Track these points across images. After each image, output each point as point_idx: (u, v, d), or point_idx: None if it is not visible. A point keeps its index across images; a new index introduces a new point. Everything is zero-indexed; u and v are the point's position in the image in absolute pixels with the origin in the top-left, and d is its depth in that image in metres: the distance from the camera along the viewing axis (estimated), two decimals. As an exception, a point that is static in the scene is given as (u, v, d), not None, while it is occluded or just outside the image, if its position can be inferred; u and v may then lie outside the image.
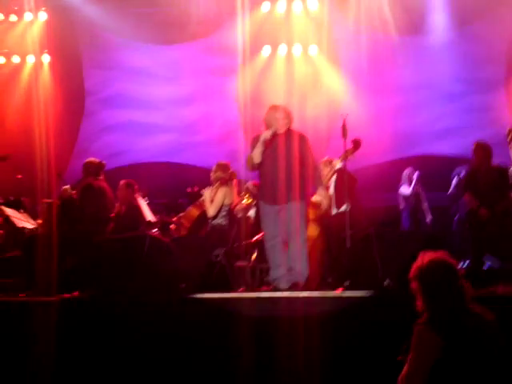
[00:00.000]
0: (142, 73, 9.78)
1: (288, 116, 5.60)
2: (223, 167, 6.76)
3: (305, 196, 5.51)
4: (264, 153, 5.48)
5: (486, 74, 9.38)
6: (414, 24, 9.14)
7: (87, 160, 7.10)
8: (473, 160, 6.87)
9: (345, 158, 6.36)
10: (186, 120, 9.82)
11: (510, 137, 6.03)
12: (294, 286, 5.20)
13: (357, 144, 6.34)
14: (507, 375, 2.94)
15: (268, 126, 5.54)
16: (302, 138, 5.58)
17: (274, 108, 5.63)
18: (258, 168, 5.59)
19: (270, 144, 5.50)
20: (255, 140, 5.56)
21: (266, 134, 5.45)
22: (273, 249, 5.49)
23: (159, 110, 9.80)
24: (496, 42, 9.30)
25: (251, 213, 7.15)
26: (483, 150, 6.68)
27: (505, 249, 6.04)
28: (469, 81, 9.42)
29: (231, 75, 9.67)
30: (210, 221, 6.59)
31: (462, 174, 7.09)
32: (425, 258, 3.05)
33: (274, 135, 5.52)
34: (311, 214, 6.20)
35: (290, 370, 4.14)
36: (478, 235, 6.29)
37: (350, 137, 6.25)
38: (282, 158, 5.45)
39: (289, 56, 9.57)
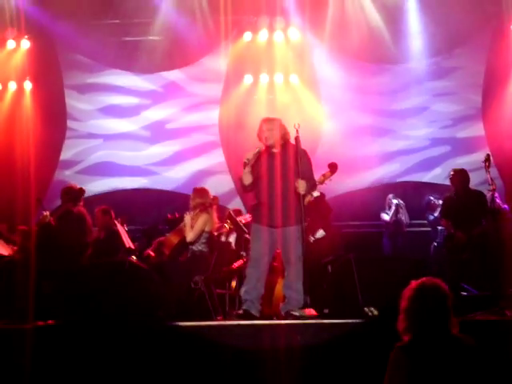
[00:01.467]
0: (123, 100, 9.77)
1: (279, 128, 5.36)
2: (200, 193, 6.72)
3: (302, 220, 5.25)
4: (259, 171, 5.29)
5: (464, 102, 9.54)
6: (393, 53, 9.27)
7: (67, 186, 7.07)
8: (451, 186, 6.98)
9: (321, 183, 6.40)
10: (167, 147, 9.80)
11: (487, 163, 6.09)
12: (288, 315, 5.06)
13: (333, 168, 6.38)
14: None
15: (260, 140, 5.38)
16: (301, 153, 5.32)
17: (264, 120, 5.46)
18: (251, 189, 5.38)
19: (266, 161, 5.31)
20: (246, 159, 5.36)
21: (249, 154, 5.26)
22: (254, 272, 5.28)
23: (140, 136, 9.77)
24: (474, 72, 9.47)
25: (232, 239, 7.13)
26: (460, 175, 6.78)
27: (481, 274, 6.08)
28: (445, 110, 9.57)
29: (213, 104, 9.72)
30: (189, 247, 6.54)
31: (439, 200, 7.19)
32: (419, 281, 3.06)
33: (270, 151, 5.33)
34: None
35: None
36: (455, 260, 6.33)
37: (328, 161, 6.29)
38: (278, 177, 5.24)
39: (270, 84, 9.64)
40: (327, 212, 6.56)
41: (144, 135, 9.81)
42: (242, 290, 5.34)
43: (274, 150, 5.36)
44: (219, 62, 9.59)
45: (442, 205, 6.87)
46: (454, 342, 2.98)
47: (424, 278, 3.09)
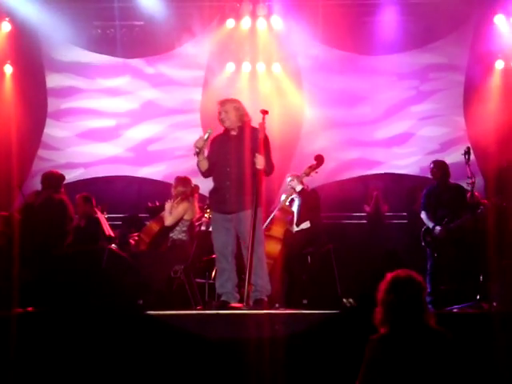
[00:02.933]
0: (105, 85, 9.69)
1: (235, 110, 5.19)
2: (183, 181, 6.71)
3: (260, 202, 5.11)
4: (215, 156, 5.20)
5: (445, 96, 9.60)
6: (374, 43, 9.29)
7: (47, 172, 7.01)
8: (431, 178, 6.99)
9: (307, 174, 6.42)
10: (148, 133, 9.75)
11: (466, 156, 6.14)
12: (258, 303, 5.01)
13: (319, 160, 6.40)
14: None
15: (220, 122, 5.24)
16: (254, 132, 5.15)
17: (219, 102, 5.28)
18: (209, 174, 5.25)
19: (222, 146, 5.20)
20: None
21: (199, 142, 5.12)
22: (221, 262, 5.20)
23: (121, 123, 9.70)
24: (456, 63, 9.53)
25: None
26: (441, 168, 6.81)
27: (458, 268, 6.14)
28: (428, 101, 9.62)
29: (195, 90, 9.68)
30: (170, 236, 6.54)
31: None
32: (394, 273, 3.10)
33: (227, 134, 5.21)
34: (275, 232, 6.21)
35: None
36: (434, 253, 6.36)
37: (313, 154, 6.30)
38: (232, 161, 5.11)
39: (253, 73, 9.62)
40: (317, 200, 6.58)
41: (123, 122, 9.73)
42: (217, 284, 5.28)
43: (232, 133, 5.22)
44: (201, 49, 9.54)
45: (423, 197, 6.88)
46: (430, 333, 3.02)
47: (399, 270, 3.12)
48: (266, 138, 5.16)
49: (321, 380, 3.98)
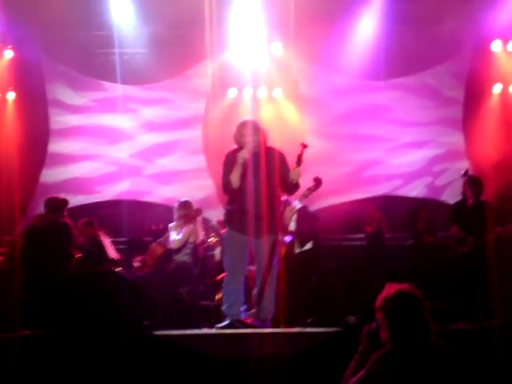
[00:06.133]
0: (106, 111, 9.79)
1: (257, 131, 5.19)
2: (184, 205, 6.79)
3: (279, 228, 5.18)
4: (243, 176, 5.08)
5: (445, 115, 9.72)
6: (374, 69, 9.42)
7: (51, 196, 7.06)
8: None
9: (306, 196, 6.49)
10: (151, 158, 9.83)
11: (465, 178, 6.22)
12: (262, 323, 5.04)
13: (318, 182, 6.47)
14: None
15: (237, 144, 5.20)
16: (281, 157, 5.20)
17: (241, 124, 5.26)
18: (235, 194, 5.14)
19: (251, 166, 5.11)
20: (229, 159, 5.16)
21: (244, 154, 5.05)
22: (233, 282, 5.17)
23: (124, 149, 9.78)
24: (453, 83, 9.66)
25: (216, 251, 7.19)
26: (474, 183, 6.70)
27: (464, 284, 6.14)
28: (427, 122, 9.74)
29: (197, 115, 9.78)
30: (174, 258, 6.59)
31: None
32: (390, 289, 3.12)
33: (253, 154, 5.12)
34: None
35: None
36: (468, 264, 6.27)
37: (312, 175, 6.37)
38: (260, 182, 5.04)
39: (254, 98, 9.73)
40: (314, 221, 6.66)
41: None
42: (225, 306, 5.24)
43: (253, 153, 5.16)
44: (203, 76, 9.67)
45: (453, 211, 6.83)
46: (434, 350, 3.01)
47: (398, 287, 3.12)
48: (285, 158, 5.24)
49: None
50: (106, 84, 9.75)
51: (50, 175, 9.62)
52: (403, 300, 3.06)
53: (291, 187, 5.22)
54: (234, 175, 5.09)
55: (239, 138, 5.21)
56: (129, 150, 9.78)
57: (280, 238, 5.60)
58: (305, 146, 5.20)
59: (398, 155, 9.76)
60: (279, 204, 5.20)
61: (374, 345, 3.09)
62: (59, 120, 9.75)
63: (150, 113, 9.87)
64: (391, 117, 9.79)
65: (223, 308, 5.28)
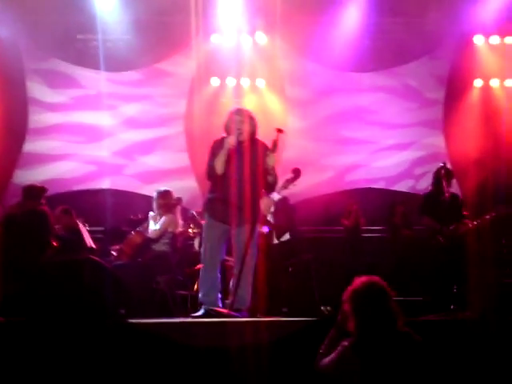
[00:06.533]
0: (88, 98, 9.69)
1: (250, 121, 5.16)
2: (164, 195, 6.78)
3: (259, 218, 5.13)
4: (227, 164, 5.04)
5: (426, 116, 9.78)
6: (359, 61, 9.44)
7: (29, 184, 7.01)
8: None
9: (285, 187, 6.49)
10: (130, 146, 9.77)
11: (442, 171, 6.27)
12: (237, 312, 5.02)
13: (297, 173, 6.48)
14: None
15: (227, 132, 5.16)
16: (265, 150, 5.13)
17: (235, 111, 5.24)
18: (217, 181, 5.10)
19: (233, 153, 5.05)
20: (216, 145, 5.11)
21: (230, 140, 5.02)
22: (210, 271, 5.14)
23: (104, 136, 9.66)
24: (435, 84, 9.71)
25: (195, 242, 7.20)
26: (451, 176, 6.82)
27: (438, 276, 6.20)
28: (408, 124, 9.80)
29: (179, 104, 9.74)
30: (152, 247, 6.58)
31: None
32: (357, 281, 3.19)
33: (239, 143, 5.08)
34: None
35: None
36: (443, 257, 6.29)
37: (291, 167, 6.38)
38: (239, 173, 5.02)
39: (237, 88, 9.72)
40: (292, 212, 6.69)
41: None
42: (201, 293, 5.22)
43: (242, 144, 5.13)
44: (186, 65, 9.63)
45: (425, 202, 6.85)
46: (401, 338, 3.10)
47: (362, 278, 3.20)
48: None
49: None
50: (87, 73, 9.60)
51: (24, 176, 9.26)
52: (369, 291, 3.16)
53: (269, 183, 5.18)
54: (218, 160, 5.05)
55: (229, 124, 5.17)
56: (109, 149, 9.62)
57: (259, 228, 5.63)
58: (280, 131, 5.13)
59: (380, 158, 9.80)
60: (261, 194, 5.15)
61: (342, 333, 3.17)
62: (36, 119, 9.58)
63: (131, 109, 9.76)
64: (374, 109, 9.82)
65: (199, 296, 5.27)
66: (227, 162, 5.07)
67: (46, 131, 9.58)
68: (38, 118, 9.57)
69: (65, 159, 9.61)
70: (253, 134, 5.20)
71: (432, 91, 9.79)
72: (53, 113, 9.61)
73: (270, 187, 5.23)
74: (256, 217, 5.06)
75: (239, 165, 5.06)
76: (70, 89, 9.65)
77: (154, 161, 9.73)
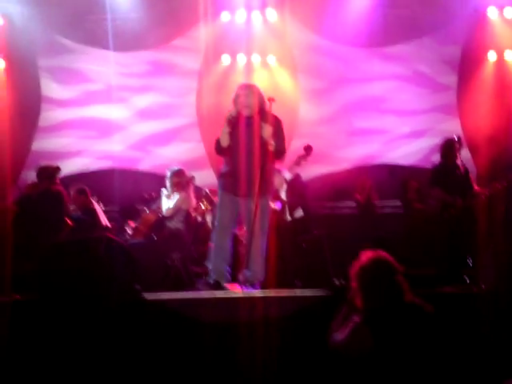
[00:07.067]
0: (98, 79, 9.68)
1: (258, 96, 5.23)
2: (177, 173, 6.81)
3: (269, 190, 5.21)
4: (232, 136, 5.16)
5: (439, 84, 9.68)
6: (372, 35, 9.35)
7: (42, 165, 7.08)
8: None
9: (297, 164, 6.52)
10: (143, 126, 9.78)
11: (457, 145, 6.23)
12: (251, 286, 5.07)
13: (308, 150, 6.50)
14: (439, 365, 3.08)
15: (235, 106, 5.22)
16: (277, 122, 5.21)
17: (243, 86, 5.34)
18: (225, 154, 5.24)
19: (240, 127, 5.16)
20: (224, 120, 5.20)
21: (231, 113, 5.14)
22: (221, 241, 5.21)
23: (116, 130, 9.61)
24: (449, 51, 9.61)
25: (208, 219, 7.23)
26: (450, 145, 6.72)
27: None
28: (422, 91, 9.69)
29: (190, 82, 9.71)
30: (166, 225, 6.63)
31: None
32: (363, 256, 3.19)
33: (247, 118, 5.18)
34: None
35: (248, 368, 4.17)
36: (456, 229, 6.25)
37: (304, 144, 6.37)
38: (248, 145, 5.11)
39: (248, 65, 9.67)
40: (304, 189, 6.69)
41: (120, 118, 9.71)
42: (211, 264, 5.28)
43: (249, 118, 5.21)
44: (196, 43, 9.58)
45: (433, 173, 6.82)
46: (411, 309, 3.12)
47: (369, 253, 3.21)
48: (279, 121, 5.23)
49: (313, 358, 4.08)
50: (96, 57, 9.51)
51: (43, 146, 9.45)
52: (375, 267, 3.16)
53: (276, 152, 5.21)
54: (222, 134, 5.15)
55: (236, 98, 5.24)
56: (123, 142, 9.61)
57: (271, 203, 5.67)
58: (271, 100, 5.17)
59: (396, 147, 9.66)
60: (271, 168, 5.21)
61: (353, 309, 3.18)
62: (45, 116, 9.56)
63: (141, 80, 9.71)
64: (385, 85, 9.72)
65: (208, 265, 5.33)
66: (236, 135, 5.16)
67: (56, 128, 9.55)
68: (48, 115, 9.55)
69: (78, 156, 9.58)
70: (262, 108, 5.24)
71: (444, 75, 9.61)
72: (62, 109, 9.59)
73: (276, 156, 5.24)
74: (265, 189, 5.10)
75: (248, 139, 5.13)
76: (79, 84, 9.60)
77: (170, 152, 9.63)
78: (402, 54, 9.63)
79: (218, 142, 5.23)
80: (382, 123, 9.64)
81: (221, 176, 5.40)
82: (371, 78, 9.66)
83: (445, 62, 9.64)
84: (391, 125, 9.66)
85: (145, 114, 9.68)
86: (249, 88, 5.31)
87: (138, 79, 9.72)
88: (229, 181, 5.22)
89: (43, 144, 9.50)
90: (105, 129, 9.57)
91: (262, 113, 5.22)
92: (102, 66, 9.57)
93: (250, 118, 5.21)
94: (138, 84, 9.71)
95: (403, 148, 9.65)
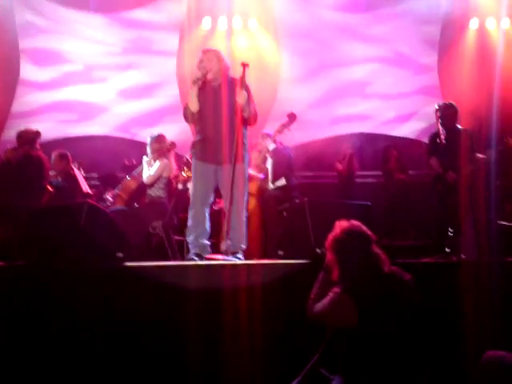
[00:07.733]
0: (76, 59, 9.48)
1: (217, 60, 5.13)
2: (158, 139, 6.75)
3: (242, 156, 5.11)
4: (200, 103, 5.10)
5: (421, 57, 9.65)
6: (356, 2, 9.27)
7: (23, 129, 6.97)
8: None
9: (279, 132, 6.51)
10: (123, 92, 9.65)
11: (437, 114, 6.21)
12: (233, 255, 5.05)
13: (292, 118, 6.48)
14: (421, 332, 3.13)
15: (199, 70, 5.12)
16: (234, 83, 5.09)
17: (203, 51, 5.28)
18: (194, 121, 5.18)
19: (208, 93, 5.11)
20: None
21: (196, 75, 5.06)
22: (199, 213, 5.15)
23: (98, 81, 9.56)
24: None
25: (189, 186, 7.20)
26: (449, 110, 6.36)
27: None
28: (405, 61, 9.68)
29: (171, 47, 9.57)
30: (147, 192, 6.60)
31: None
32: (336, 227, 3.18)
33: (211, 84, 5.12)
34: (250, 188, 6.29)
35: (233, 338, 4.20)
36: (444, 202, 6.07)
37: (286, 112, 6.33)
38: (215, 112, 5.04)
39: (229, 30, 9.55)
40: (288, 160, 6.70)
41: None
42: (191, 237, 5.23)
43: (213, 83, 5.16)
44: (177, 5, 9.42)
45: (429, 141, 6.45)
46: (389, 278, 3.13)
47: (343, 224, 3.20)
48: (247, 87, 5.13)
49: (296, 326, 4.13)
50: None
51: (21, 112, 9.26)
52: (349, 237, 3.14)
53: (246, 119, 5.13)
54: (190, 96, 5.09)
55: (199, 63, 5.18)
56: (106, 125, 9.49)
57: (251, 171, 5.65)
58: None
59: (375, 91, 9.69)
60: (241, 134, 5.11)
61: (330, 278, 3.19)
62: (22, 101, 9.35)
63: (122, 41, 9.56)
64: (368, 52, 9.68)
65: (188, 239, 5.28)
66: (204, 102, 5.10)
67: (33, 113, 9.34)
68: (25, 100, 9.33)
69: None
70: (224, 73, 5.17)
71: (425, 56, 9.62)
72: (40, 92, 9.39)
73: (248, 123, 5.18)
74: (236, 155, 5.02)
75: (215, 105, 5.08)
76: (56, 65, 9.42)
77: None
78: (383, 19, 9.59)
79: (187, 108, 5.16)
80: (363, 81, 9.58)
81: (192, 145, 5.33)
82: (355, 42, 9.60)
83: (425, 41, 9.60)
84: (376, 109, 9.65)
85: (128, 94, 9.54)
86: (210, 52, 5.23)
87: (118, 56, 9.53)
88: (200, 148, 5.18)
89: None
90: (86, 111, 9.43)
91: (233, 79, 5.16)
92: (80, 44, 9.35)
93: (216, 84, 5.14)
94: (118, 62, 9.52)
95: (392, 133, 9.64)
